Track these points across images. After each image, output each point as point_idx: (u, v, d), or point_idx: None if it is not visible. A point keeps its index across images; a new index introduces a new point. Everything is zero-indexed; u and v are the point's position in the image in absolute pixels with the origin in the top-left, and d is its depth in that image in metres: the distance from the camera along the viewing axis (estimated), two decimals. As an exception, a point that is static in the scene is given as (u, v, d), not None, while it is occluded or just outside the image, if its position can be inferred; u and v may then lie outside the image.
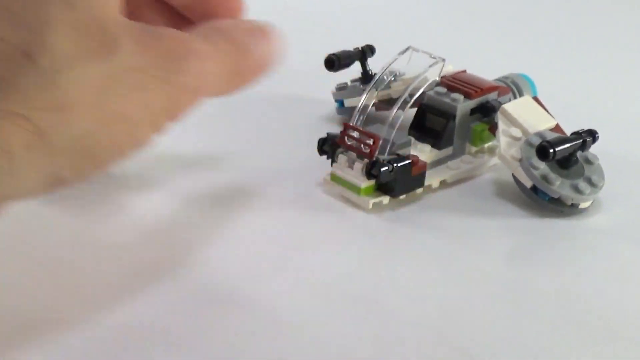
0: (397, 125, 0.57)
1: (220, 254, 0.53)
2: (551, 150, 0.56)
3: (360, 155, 0.57)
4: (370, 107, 0.60)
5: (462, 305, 0.49)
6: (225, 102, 0.54)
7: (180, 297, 0.48)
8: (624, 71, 0.87)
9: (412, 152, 0.59)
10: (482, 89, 0.62)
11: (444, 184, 0.61)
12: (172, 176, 0.60)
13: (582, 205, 0.58)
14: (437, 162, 0.61)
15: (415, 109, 0.62)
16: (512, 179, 0.60)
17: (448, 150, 0.62)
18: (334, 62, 0.68)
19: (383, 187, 0.58)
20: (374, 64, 0.68)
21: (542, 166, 0.57)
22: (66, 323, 0.46)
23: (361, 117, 0.59)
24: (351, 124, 0.58)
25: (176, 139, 0.59)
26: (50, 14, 0.31)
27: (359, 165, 0.57)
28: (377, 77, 0.61)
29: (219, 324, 0.46)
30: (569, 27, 0.99)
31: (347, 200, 0.58)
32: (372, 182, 0.57)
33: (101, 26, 0.33)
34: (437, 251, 0.54)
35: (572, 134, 0.59)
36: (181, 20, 0.45)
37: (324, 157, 0.59)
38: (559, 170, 0.58)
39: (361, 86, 0.69)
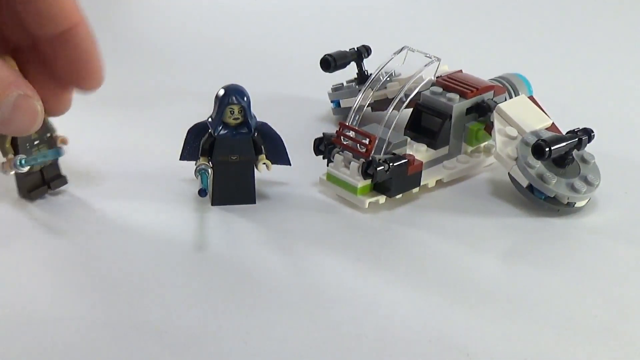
0: (393, 125, 0.57)
1: (216, 253, 0.53)
2: (547, 149, 0.56)
3: (357, 154, 0.57)
4: (366, 107, 0.60)
5: (458, 304, 0.49)
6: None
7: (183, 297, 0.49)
8: (620, 71, 0.87)
9: (408, 151, 0.59)
10: (477, 89, 0.62)
11: (440, 184, 0.61)
12: (167, 174, 0.60)
13: (578, 204, 0.58)
14: (433, 162, 0.61)
15: (411, 109, 0.62)
16: (508, 178, 0.60)
17: (444, 150, 0.62)
18: (330, 63, 0.68)
19: (379, 187, 0.58)
20: (370, 65, 0.68)
21: (538, 165, 0.57)
22: (64, 321, 0.46)
23: (357, 117, 0.59)
24: (347, 124, 0.58)
25: (172, 137, 0.59)
26: None
27: (355, 165, 0.57)
28: (372, 77, 0.61)
29: (221, 318, 0.47)
30: (565, 27, 0.99)
31: (343, 200, 0.58)
32: (368, 181, 0.57)
33: None
34: (433, 250, 0.54)
35: (567, 132, 0.59)
36: None
37: (320, 156, 0.59)
38: (554, 169, 0.58)
39: (357, 87, 0.69)
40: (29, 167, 0.54)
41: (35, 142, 0.56)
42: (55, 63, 0.45)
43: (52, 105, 0.47)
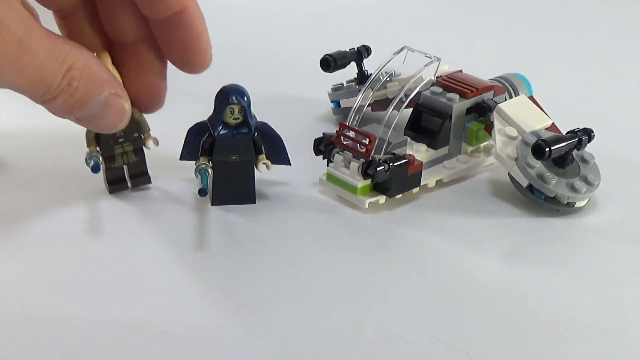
0: (393, 125, 0.57)
1: (216, 253, 0.53)
2: (547, 149, 0.56)
3: (357, 154, 0.57)
4: (366, 107, 0.60)
5: (458, 304, 0.49)
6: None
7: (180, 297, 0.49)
8: (619, 70, 0.87)
9: (408, 151, 0.59)
10: (477, 89, 0.62)
11: (440, 184, 0.61)
12: (167, 174, 0.60)
13: (578, 204, 0.58)
14: (433, 162, 0.61)
15: (411, 109, 0.62)
16: (508, 178, 0.60)
17: (444, 150, 0.62)
18: (330, 63, 0.68)
19: (379, 187, 0.58)
20: (370, 65, 0.68)
21: (538, 165, 0.57)
22: (64, 321, 0.46)
23: (357, 117, 0.59)
24: (347, 124, 0.58)
25: (172, 137, 0.59)
26: None
27: (355, 165, 0.57)
28: (372, 77, 0.61)
29: (222, 317, 0.47)
30: (565, 27, 0.99)
31: (343, 200, 0.58)
32: (368, 181, 0.57)
33: None
34: (433, 250, 0.54)
35: (567, 132, 0.59)
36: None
37: (320, 156, 0.59)
38: (554, 169, 0.58)
39: (357, 87, 0.69)
40: (92, 164, 0.55)
41: (120, 140, 0.56)
42: (167, 45, 0.47)
43: (146, 101, 0.49)
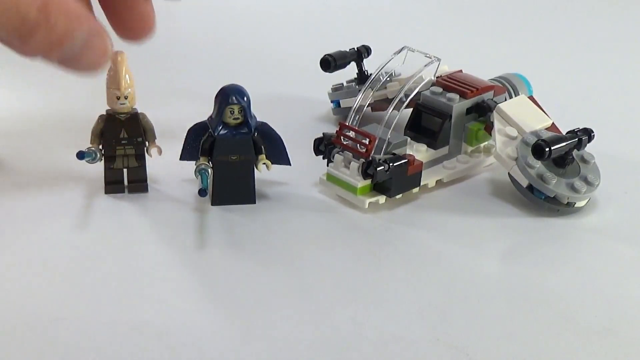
0: (393, 125, 0.57)
1: (216, 253, 0.53)
2: (547, 149, 0.56)
3: (357, 154, 0.57)
4: (366, 107, 0.60)
5: (458, 304, 0.49)
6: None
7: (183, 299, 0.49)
8: (619, 71, 0.87)
9: (408, 151, 0.59)
10: (477, 89, 0.62)
11: (440, 184, 0.61)
12: (167, 174, 0.60)
13: (578, 204, 0.58)
14: (433, 162, 0.61)
15: (411, 109, 0.62)
16: (508, 178, 0.60)
17: (444, 150, 0.62)
18: (330, 63, 0.68)
19: (379, 187, 0.58)
20: (370, 65, 0.68)
21: (538, 165, 0.57)
22: (64, 321, 0.46)
23: (357, 117, 0.59)
24: (347, 124, 0.58)
25: (172, 137, 0.59)
26: None
27: (355, 165, 0.57)
28: (372, 77, 0.61)
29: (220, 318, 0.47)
30: (565, 27, 0.99)
31: (343, 200, 0.58)
32: (368, 181, 0.57)
33: None
34: (433, 250, 0.54)
35: (567, 132, 0.59)
36: None
37: (320, 156, 0.59)
38: (554, 169, 0.58)
39: (357, 87, 0.69)
40: (88, 159, 0.56)
41: (123, 142, 0.57)
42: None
43: (137, 27, 0.48)
